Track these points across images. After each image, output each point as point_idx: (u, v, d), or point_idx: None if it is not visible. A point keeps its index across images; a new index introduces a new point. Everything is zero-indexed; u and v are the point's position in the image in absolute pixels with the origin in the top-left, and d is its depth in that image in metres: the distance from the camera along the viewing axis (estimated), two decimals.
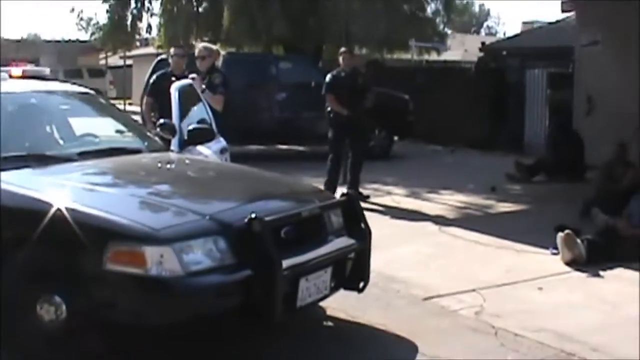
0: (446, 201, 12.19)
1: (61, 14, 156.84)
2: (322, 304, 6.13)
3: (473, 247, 9.13)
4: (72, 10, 34.37)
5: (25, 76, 8.05)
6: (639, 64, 13.76)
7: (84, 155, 6.54)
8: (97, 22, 25.82)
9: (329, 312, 6.50)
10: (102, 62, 49.99)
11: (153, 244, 4.88)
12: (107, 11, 24.76)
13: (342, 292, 6.11)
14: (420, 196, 12.67)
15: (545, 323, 6.34)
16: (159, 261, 4.84)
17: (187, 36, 23.63)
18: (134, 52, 37.41)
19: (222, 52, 11.06)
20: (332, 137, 11.99)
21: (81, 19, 25.79)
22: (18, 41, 56.04)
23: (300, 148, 18.64)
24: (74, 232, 5.04)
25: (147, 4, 24.78)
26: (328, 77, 12.12)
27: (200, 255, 5.00)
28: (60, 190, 5.58)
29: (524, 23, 42.04)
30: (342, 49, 12.64)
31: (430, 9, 25.70)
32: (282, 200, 6.12)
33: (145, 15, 24.99)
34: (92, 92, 8.28)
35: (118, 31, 25.17)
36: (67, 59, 47.67)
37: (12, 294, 5.25)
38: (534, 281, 7.59)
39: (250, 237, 5.11)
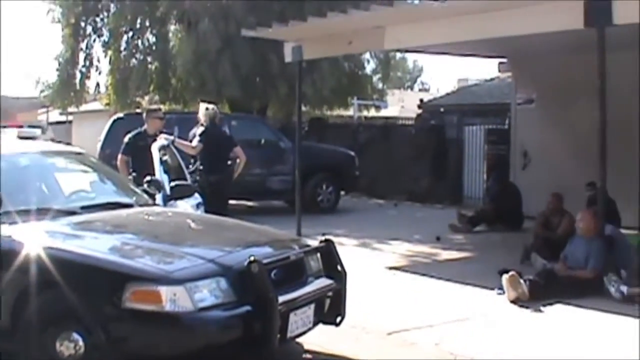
0: (396, 250, 12.96)
1: None
2: (299, 339, 6.83)
3: (425, 289, 9.94)
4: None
5: (21, 137, 8.36)
6: (569, 120, 14.88)
7: (86, 209, 7.24)
8: (47, 80, 26.22)
9: (306, 347, 7.25)
10: (41, 117, 50.11)
11: (168, 284, 5.63)
12: (57, 69, 25.20)
13: (314, 330, 6.80)
14: (371, 246, 13.44)
15: (499, 349, 7.25)
16: (173, 299, 5.59)
17: (136, 94, 24.15)
18: (73, 109, 37.57)
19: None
20: None
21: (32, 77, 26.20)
22: None
23: (250, 203, 19.32)
24: (96, 276, 5.80)
25: (95, 62, 25.19)
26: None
27: (206, 293, 5.73)
28: (79, 240, 6.37)
29: (460, 80, 43.08)
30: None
31: (369, 68, 26.46)
32: (269, 246, 6.88)
33: (94, 74, 25.43)
34: (83, 151, 8.96)
35: (67, 88, 25.56)
36: (7, 116, 47.53)
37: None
38: (483, 317, 8.48)
39: (248, 277, 5.88)
